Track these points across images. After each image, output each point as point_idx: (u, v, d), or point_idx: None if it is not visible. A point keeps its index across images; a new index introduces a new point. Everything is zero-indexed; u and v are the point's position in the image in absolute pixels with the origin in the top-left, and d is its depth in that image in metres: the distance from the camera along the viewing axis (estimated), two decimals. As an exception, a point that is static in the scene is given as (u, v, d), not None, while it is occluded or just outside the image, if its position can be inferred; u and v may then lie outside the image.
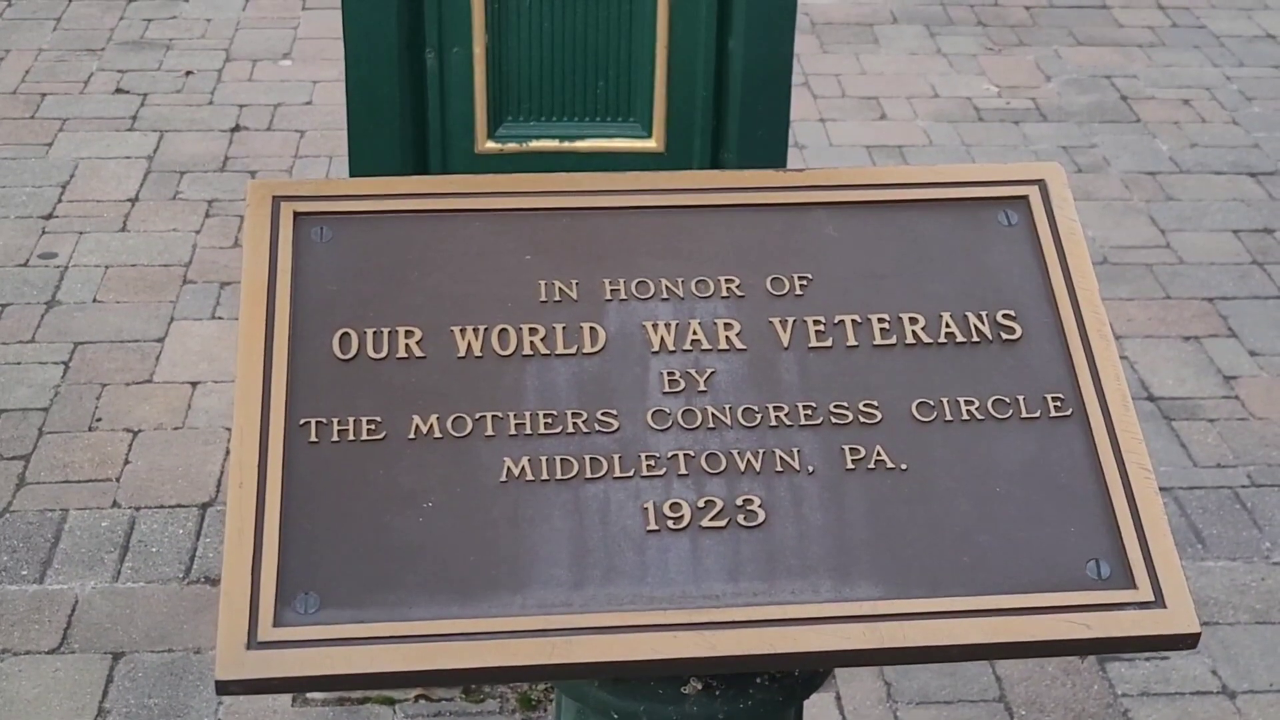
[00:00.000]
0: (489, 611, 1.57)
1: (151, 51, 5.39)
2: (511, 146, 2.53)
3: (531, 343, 1.74)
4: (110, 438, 3.51)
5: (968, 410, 1.73)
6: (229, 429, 3.45)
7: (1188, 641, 1.62)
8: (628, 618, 1.57)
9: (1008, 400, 1.74)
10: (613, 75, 2.50)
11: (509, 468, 1.66)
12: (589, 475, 1.66)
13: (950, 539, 1.64)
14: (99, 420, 3.57)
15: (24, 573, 3.15)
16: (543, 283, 1.79)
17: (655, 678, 1.66)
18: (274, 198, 1.83)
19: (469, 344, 1.74)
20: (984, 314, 1.80)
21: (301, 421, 1.67)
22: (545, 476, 1.65)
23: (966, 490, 1.68)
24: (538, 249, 1.82)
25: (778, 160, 2.55)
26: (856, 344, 1.77)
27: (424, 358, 1.73)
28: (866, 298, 1.81)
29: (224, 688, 1.54)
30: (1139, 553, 1.64)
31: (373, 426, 1.67)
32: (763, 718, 1.69)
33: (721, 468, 1.67)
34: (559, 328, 1.76)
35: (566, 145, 2.53)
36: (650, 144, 2.53)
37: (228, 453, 3.44)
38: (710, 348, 1.75)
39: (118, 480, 3.39)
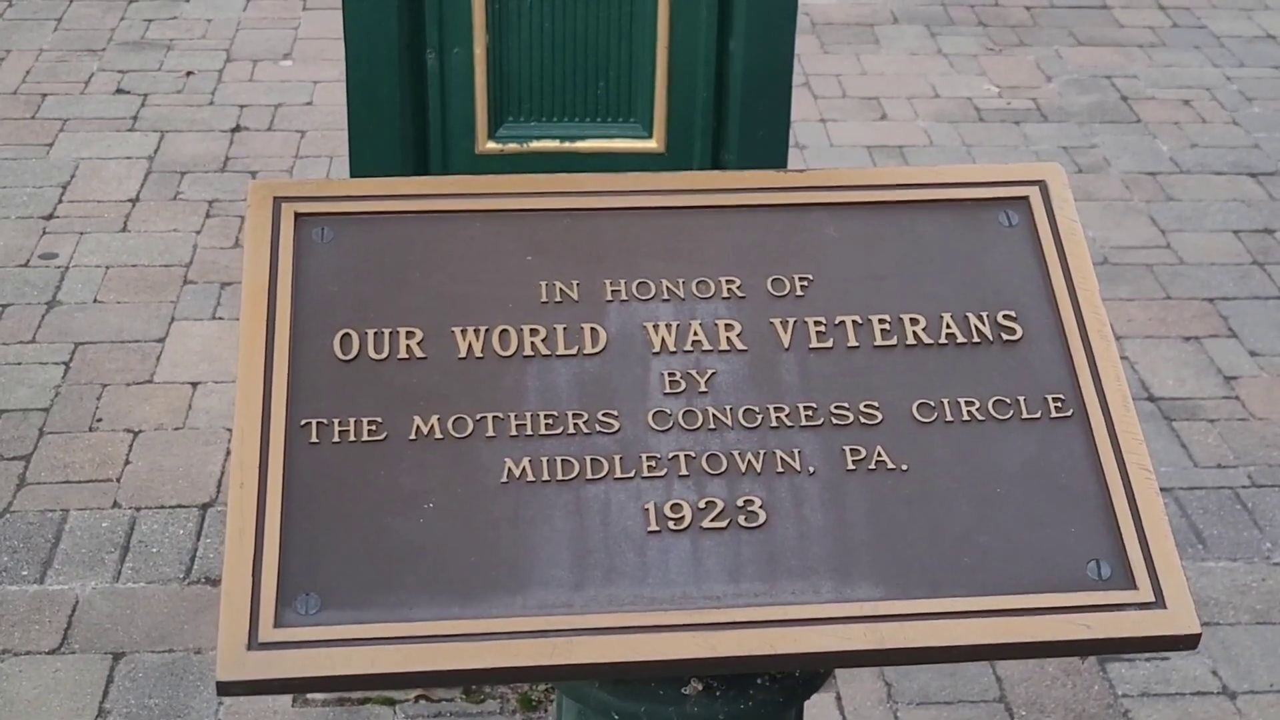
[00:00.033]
0: (490, 612, 1.57)
1: (152, 52, 5.39)
2: (512, 147, 2.53)
3: (532, 343, 1.74)
4: (111, 438, 3.52)
5: (968, 411, 1.73)
6: (230, 429, 3.46)
7: (1188, 642, 1.62)
8: (628, 618, 1.57)
9: (1008, 401, 1.74)
10: (613, 76, 2.50)
11: (510, 468, 1.66)
12: (590, 476, 1.66)
13: (951, 539, 1.64)
14: (99, 421, 3.57)
15: (24, 573, 3.15)
16: (543, 283, 1.79)
17: (656, 678, 1.66)
18: (275, 198, 1.83)
19: (470, 345, 1.74)
20: (984, 314, 1.80)
21: (302, 422, 1.67)
22: (546, 477, 1.65)
23: (967, 491, 1.68)
24: (538, 249, 1.82)
25: (778, 161, 2.55)
26: (857, 345, 1.77)
27: (425, 358, 1.73)
28: (867, 298, 1.81)
29: (225, 688, 1.54)
30: (1139, 553, 1.64)
31: (374, 427, 1.67)
32: (763, 718, 1.69)
33: (722, 468, 1.67)
34: (560, 328, 1.76)
35: (567, 146, 2.53)
36: (651, 144, 2.53)
37: (228, 453, 3.45)
38: (711, 348, 1.76)
39: (118, 480, 3.39)
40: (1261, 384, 3.85)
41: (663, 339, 1.76)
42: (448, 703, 2.87)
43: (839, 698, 2.92)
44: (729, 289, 1.80)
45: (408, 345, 1.73)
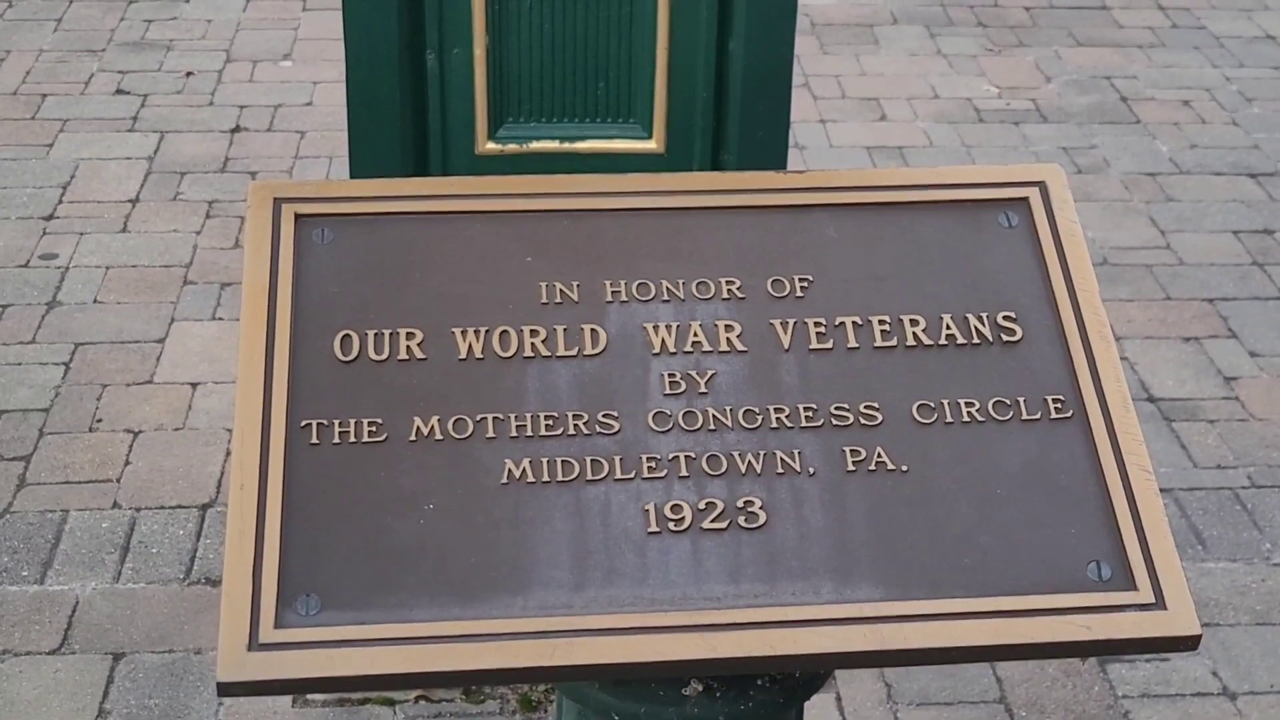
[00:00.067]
0: (490, 613, 1.57)
1: (152, 52, 5.39)
2: (512, 147, 2.53)
3: (532, 344, 1.74)
4: (111, 438, 3.52)
5: (968, 412, 1.73)
6: (230, 430, 3.46)
7: (1188, 643, 1.62)
8: (628, 619, 1.57)
9: (1008, 402, 1.74)
10: (613, 76, 2.50)
11: (510, 469, 1.66)
12: (590, 477, 1.66)
13: (951, 540, 1.64)
14: (99, 421, 3.57)
15: (24, 573, 3.15)
16: (543, 284, 1.79)
17: (656, 679, 1.66)
18: (275, 199, 1.83)
19: (470, 346, 1.74)
20: (984, 315, 1.80)
21: (303, 423, 1.67)
22: (546, 478, 1.65)
23: (967, 492, 1.68)
24: (538, 250, 1.82)
25: (778, 161, 2.55)
26: (857, 346, 1.77)
27: (425, 359, 1.73)
28: (867, 299, 1.81)
29: (225, 689, 1.54)
30: (1140, 554, 1.64)
31: (374, 428, 1.67)
32: (763, 719, 1.69)
33: (722, 469, 1.67)
34: (560, 329, 1.76)
35: (567, 146, 2.53)
36: (650, 145, 2.53)
37: (228, 454, 3.45)
38: (711, 349, 1.76)
39: (118, 481, 3.39)
40: (1261, 384, 3.85)
41: (663, 340, 1.76)
42: (448, 703, 2.88)
43: (839, 698, 2.92)
44: (729, 290, 1.80)
45: (408, 346, 1.73)
